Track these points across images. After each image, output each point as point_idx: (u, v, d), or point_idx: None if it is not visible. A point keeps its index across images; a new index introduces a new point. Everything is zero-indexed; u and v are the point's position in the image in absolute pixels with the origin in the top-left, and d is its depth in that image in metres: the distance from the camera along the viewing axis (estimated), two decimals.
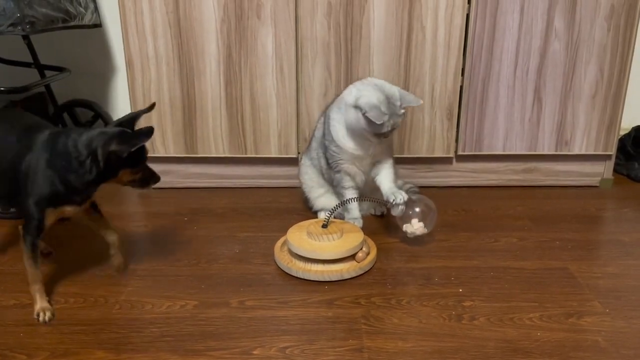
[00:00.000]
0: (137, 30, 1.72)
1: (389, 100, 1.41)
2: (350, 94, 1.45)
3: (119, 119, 1.22)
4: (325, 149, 1.56)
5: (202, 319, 1.19)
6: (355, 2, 1.68)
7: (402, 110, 1.43)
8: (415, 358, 1.07)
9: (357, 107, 1.41)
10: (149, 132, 1.14)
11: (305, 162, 1.68)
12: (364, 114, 1.39)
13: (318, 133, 1.62)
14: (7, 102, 2.00)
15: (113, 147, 1.12)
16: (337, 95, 1.63)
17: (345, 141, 1.49)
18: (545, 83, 1.78)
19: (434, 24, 1.71)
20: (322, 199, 1.66)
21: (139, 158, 1.19)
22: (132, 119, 1.21)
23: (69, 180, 1.14)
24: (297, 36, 1.72)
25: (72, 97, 2.22)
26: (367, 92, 1.41)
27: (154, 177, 1.24)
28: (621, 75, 1.78)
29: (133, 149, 1.14)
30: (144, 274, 1.37)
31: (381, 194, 1.52)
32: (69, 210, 1.20)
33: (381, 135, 1.43)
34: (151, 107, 1.25)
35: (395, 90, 1.43)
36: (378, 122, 1.37)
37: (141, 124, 1.21)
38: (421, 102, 1.47)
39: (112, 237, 1.33)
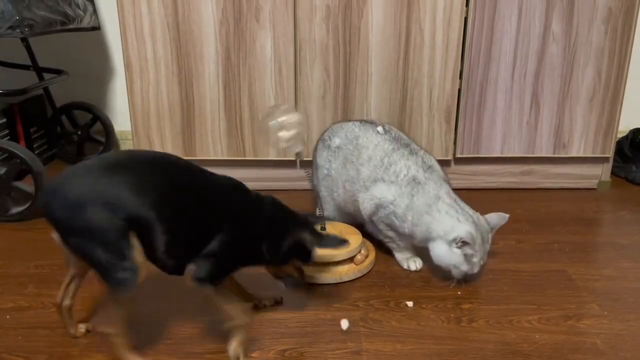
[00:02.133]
0: (136, 32, 1.72)
1: (482, 237, 1.29)
2: (445, 225, 1.29)
3: (304, 214, 1.19)
4: (385, 216, 1.38)
5: (200, 321, 1.19)
6: (353, 5, 1.69)
7: (489, 243, 1.33)
8: None
9: (452, 240, 1.27)
10: (343, 241, 1.14)
11: (329, 199, 1.53)
12: (460, 245, 1.27)
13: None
14: (6, 104, 2.00)
15: (305, 235, 1.12)
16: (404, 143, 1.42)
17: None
18: (543, 86, 1.79)
19: (432, 27, 1.71)
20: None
21: (310, 256, 1.16)
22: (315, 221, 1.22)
23: (260, 246, 1.10)
24: (296, 39, 1.72)
25: (71, 99, 2.23)
26: (465, 224, 1.27)
27: (304, 280, 1.26)
28: (619, 78, 1.78)
29: (319, 247, 1.14)
30: None
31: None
32: None
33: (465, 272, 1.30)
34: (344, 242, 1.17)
35: (482, 219, 1.32)
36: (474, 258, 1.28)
37: None
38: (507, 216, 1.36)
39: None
